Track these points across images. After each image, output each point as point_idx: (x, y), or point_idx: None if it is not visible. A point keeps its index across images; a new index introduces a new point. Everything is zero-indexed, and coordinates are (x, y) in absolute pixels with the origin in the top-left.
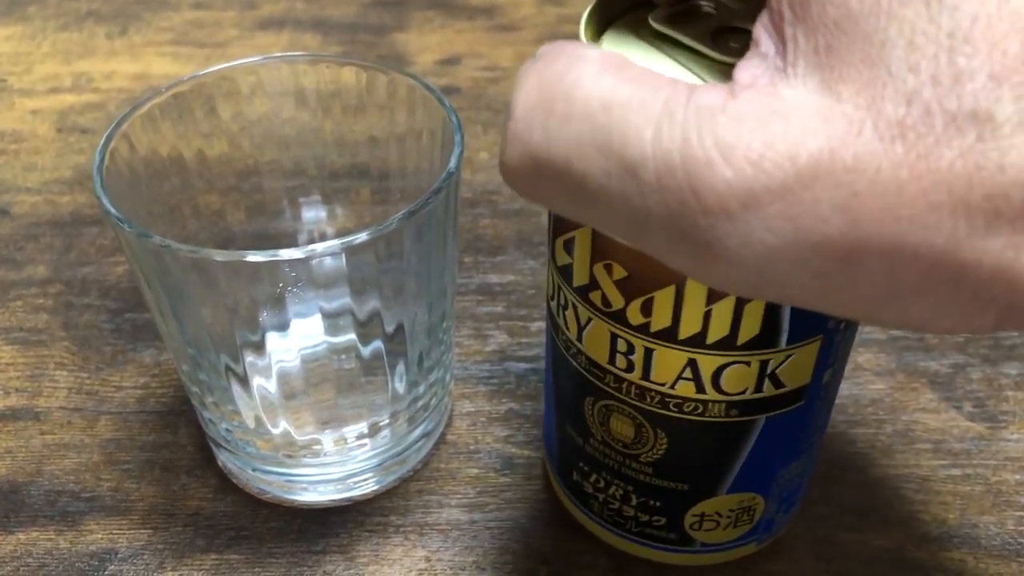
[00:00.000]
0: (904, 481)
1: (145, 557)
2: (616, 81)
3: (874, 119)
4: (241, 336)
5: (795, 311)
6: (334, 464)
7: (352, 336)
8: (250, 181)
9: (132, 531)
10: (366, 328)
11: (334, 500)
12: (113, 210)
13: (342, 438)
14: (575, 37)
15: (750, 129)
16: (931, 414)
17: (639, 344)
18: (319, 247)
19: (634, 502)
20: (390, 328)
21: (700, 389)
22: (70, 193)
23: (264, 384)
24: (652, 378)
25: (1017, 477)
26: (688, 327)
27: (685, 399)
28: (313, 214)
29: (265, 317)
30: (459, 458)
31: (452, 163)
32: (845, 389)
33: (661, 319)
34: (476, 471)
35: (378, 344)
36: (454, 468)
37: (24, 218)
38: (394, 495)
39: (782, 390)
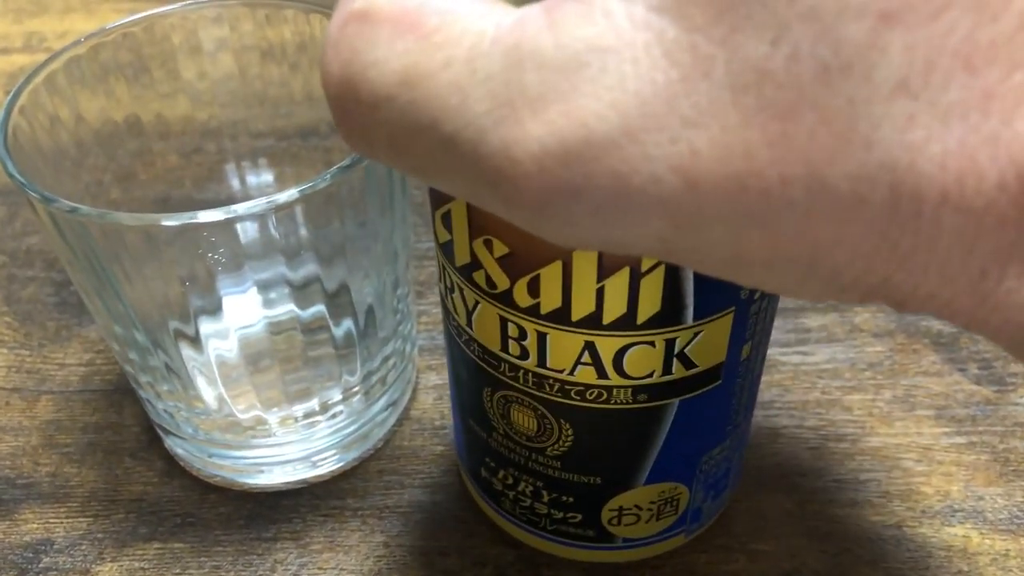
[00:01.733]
0: (904, 451)
1: (83, 547)
2: (412, 44)
3: (727, 57)
4: (172, 317)
5: (699, 285)
6: (289, 444)
7: (291, 305)
8: (189, 144)
9: (70, 519)
10: (303, 293)
11: (289, 482)
12: (15, 171)
13: (290, 416)
14: None
15: (563, 72)
16: (933, 377)
17: (531, 328)
18: (240, 208)
19: (545, 499)
20: (332, 291)
21: (602, 374)
22: None
23: (199, 365)
24: (549, 365)
25: None
26: (581, 307)
27: (587, 386)
28: (259, 179)
29: (194, 293)
30: (423, 435)
31: None
32: (841, 352)
33: (551, 299)
34: (441, 448)
35: (320, 309)
36: (418, 446)
37: None
38: (352, 476)
39: (694, 370)
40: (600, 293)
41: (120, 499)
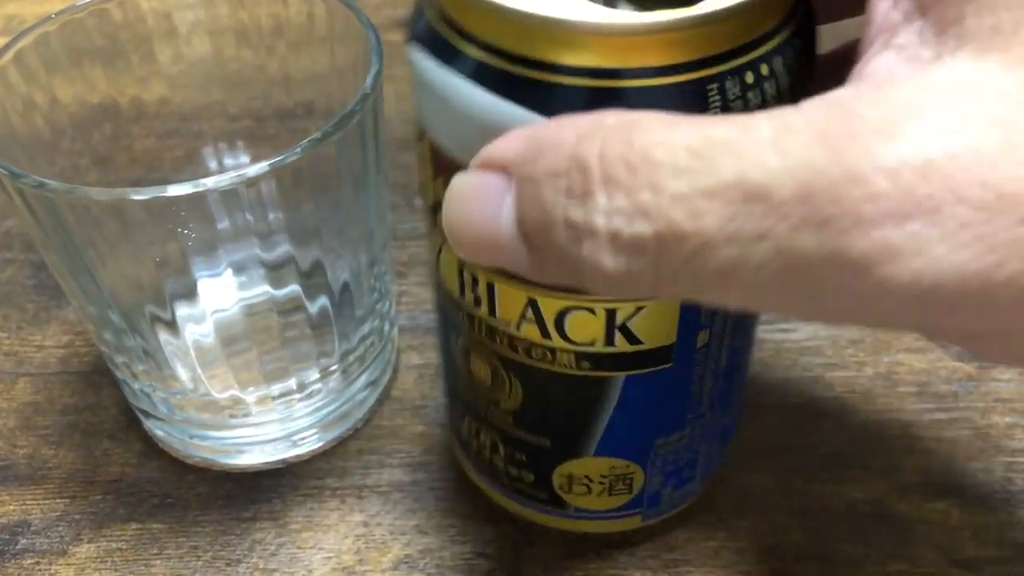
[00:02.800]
0: (886, 428)
1: (60, 528)
2: (695, 126)
3: None
4: (147, 301)
5: None
6: (266, 423)
7: (266, 286)
8: (162, 125)
9: (47, 501)
10: (278, 273)
11: (268, 463)
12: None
13: (267, 396)
14: None
15: (901, 131)
16: (915, 354)
17: (481, 276)
18: (210, 181)
19: (501, 453)
20: (306, 270)
21: (545, 334)
22: None
23: (176, 349)
24: (498, 315)
25: (1007, 420)
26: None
27: (532, 344)
28: (235, 161)
29: (169, 276)
30: (404, 414)
31: (368, 83)
32: (823, 329)
33: None
34: (421, 428)
35: (295, 289)
36: (398, 425)
37: None
38: (332, 456)
39: (639, 347)
40: None
41: (98, 480)
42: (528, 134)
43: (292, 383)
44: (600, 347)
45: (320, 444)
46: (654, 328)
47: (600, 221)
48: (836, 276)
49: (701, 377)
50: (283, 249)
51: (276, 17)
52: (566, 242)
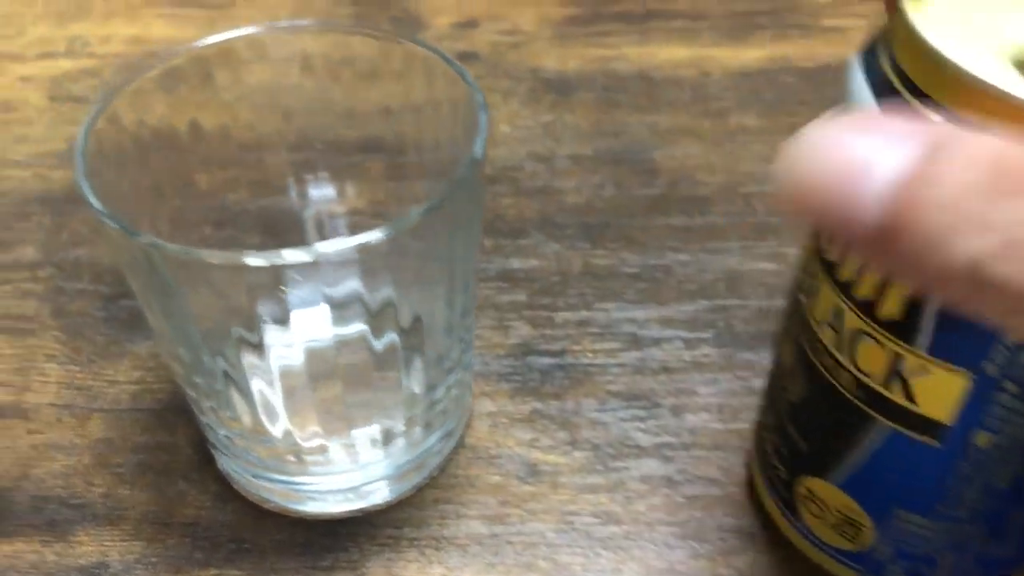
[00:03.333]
0: None
1: (138, 571)
2: None
3: None
4: (236, 332)
5: (944, 320)
6: (344, 472)
7: (363, 326)
8: (251, 155)
9: (124, 542)
10: (378, 320)
11: (344, 511)
12: (96, 202)
13: (351, 444)
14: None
15: None
16: None
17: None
18: (328, 248)
19: (773, 440)
20: (405, 322)
21: (839, 347)
22: (62, 168)
23: (263, 385)
24: (815, 313)
25: None
26: (846, 267)
27: (823, 346)
28: (320, 192)
29: (263, 311)
30: (479, 463)
31: (477, 149)
32: None
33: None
34: (498, 478)
35: (392, 337)
36: (473, 475)
37: (13, 194)
38: (408, 505)
39: (913, 408)
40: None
41: (174, 522)
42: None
43: (376, 431)
44: (877, 384)
45: (396, 494)
46: (933, 397)
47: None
48: None
49: (966, 479)
50: (385, 294)
51: (347, 50)
52: (954, 232)
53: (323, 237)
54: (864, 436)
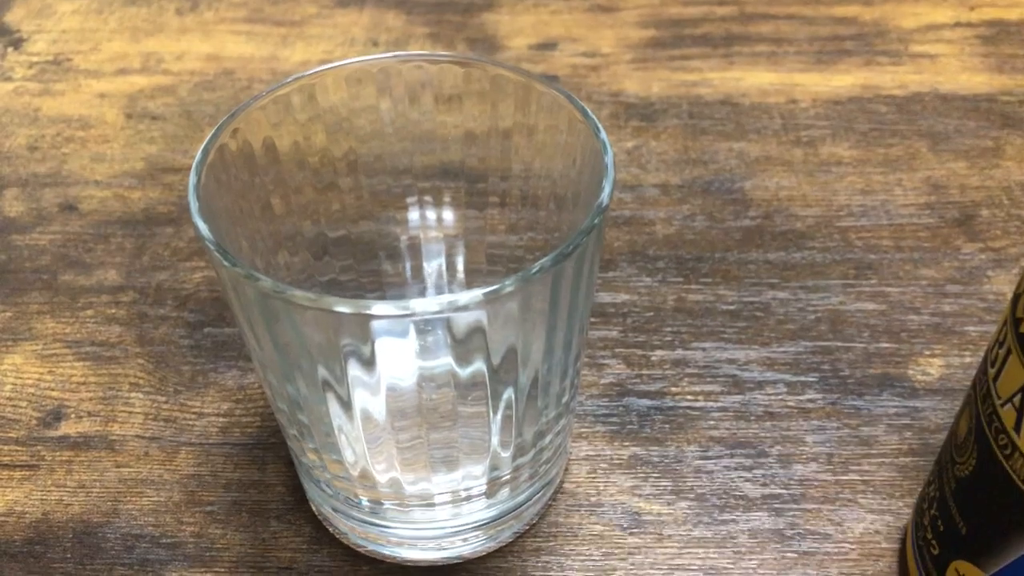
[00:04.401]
0: None
1: None
2: None
3: None
4: (351, 370)
5: None
6: (445, 520)
7: (483, 371)
8: (349, 178)
9: None
10: (499, 367)
11: (441, 557)
12: (213, 239)
13: (456, 491)
14: (681, 20)
15: None
16: None
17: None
18: (458, 298)
19: (932, 512)
20: (525, 370)
21: (1018, 428)
22: (141, 188)
23: (373, 426)
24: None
25: None
26: None
27: (1001, 424)
28: (417, 215)
29: (381, 350)
30: (579, 512)
31: (604, 196)
32: None
33: None
34: (600, 528)
35: (511, 382)
36: (574, 523)
37: (93, 215)
38: (509, 553)
39: None
40: None
41: (269, 566)
42: None
43: (483, 479)
44: None
45: (496, 541)
46: None
47: None
48: None
49: None
50: (508, 346)
51: (480, 83)
52: None
53: (419, 264)
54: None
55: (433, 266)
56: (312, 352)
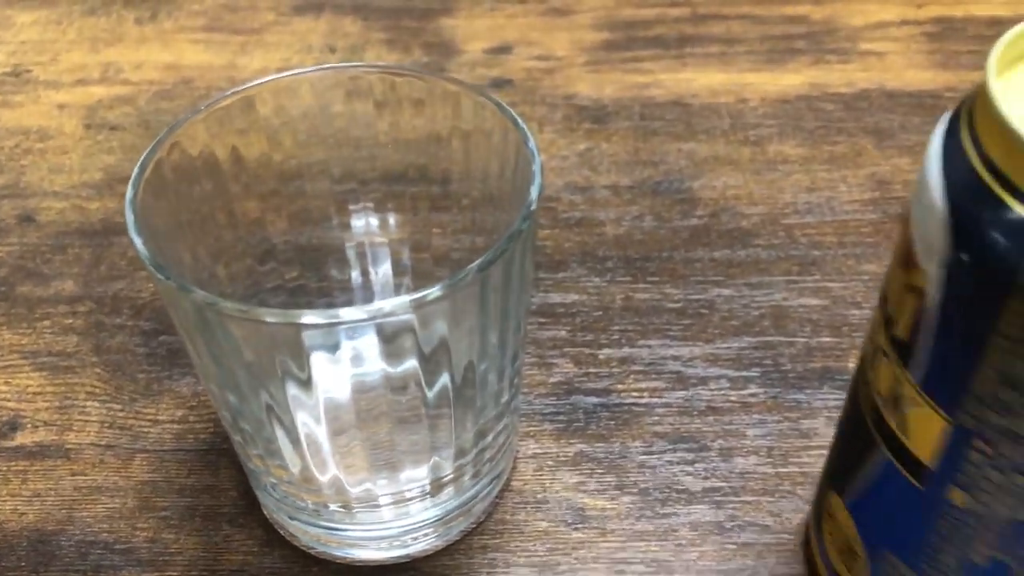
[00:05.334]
0: None
1: None
2: None
3: None
4: (284, 373)
5: (939, 351)
6: (391, 520)
7: (414, 369)
8: (292, 185)
9: None
10: (431, 364)
11: (390, 557)
12: (148, 255)
13: (399, 491)
14: (635, 22)
15: None
16: None
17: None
18: (385, 305)
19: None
20: (458, 367)
21: (867, 361)
22: (99, 198)
23: (311, 428)
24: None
25: None
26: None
27: (862, 361)
28: (363, 222)
29: (313, 353)
30: (526, 509)
31: (532, 198)
32: None
33: None
34: (545, 524)
35: (444, 382)
36: (520, 521)
37: (51, 226)
38: (456, 552)
39: (904, 439)
40: None
41: (221, 569)
42: None
43: (425, 478)
44: (883, 406)
45: (444, 540)
46: (920, 433)
47: None
48: None
49: (944, 540)
50: (439, 339)
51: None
52: None
53: (366, 268)
54: (868, 459)
55: (379, 271)
56: (247, 362)
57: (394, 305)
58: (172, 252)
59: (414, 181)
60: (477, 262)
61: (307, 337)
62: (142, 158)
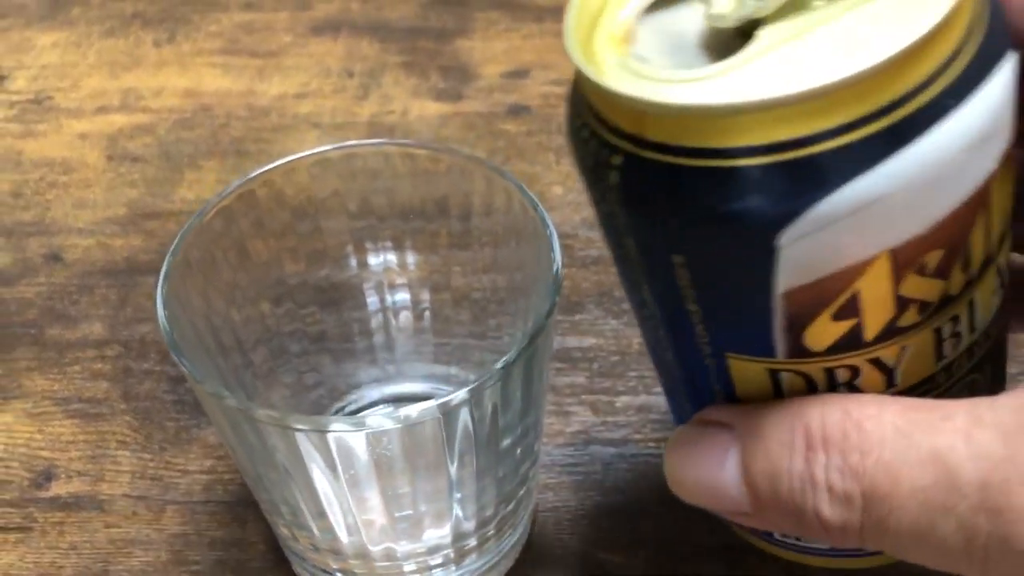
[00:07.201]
0: None
1: None
2: (903, 406)
3: None
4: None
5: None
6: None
7: (439, 441)
8: (306, 222)
9: None
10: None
11: None
12: (190, 368)
13: (417, 551)
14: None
15: None
16: None
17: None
18: (414, 412)
19: None
20: (481, 452)
21: None
22: (123, 235)
23: (333, 497)
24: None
25: None
26: None
27: None
28: (380, 260)
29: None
30: (545, 567)
31: (548, 312)
32: None
33: None
34: None
35: (469, 463)
36: None
37: (77, 265)
38: None
39: None
40: None
41: None
42: (747, 404)
43: (448, 546)
44: None
45: None
46: None
47: (820, 474)
48: (1008, 558)
49: None
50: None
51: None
52: (789, 490)
53: (385, 311)
54: None
55: (398, 317)
56: (273, 454)
57: (420, 412)
58: (182, 294)
59: (433, 217)
60: (500, 363)
61: (332, 439)
62: (165, 266)
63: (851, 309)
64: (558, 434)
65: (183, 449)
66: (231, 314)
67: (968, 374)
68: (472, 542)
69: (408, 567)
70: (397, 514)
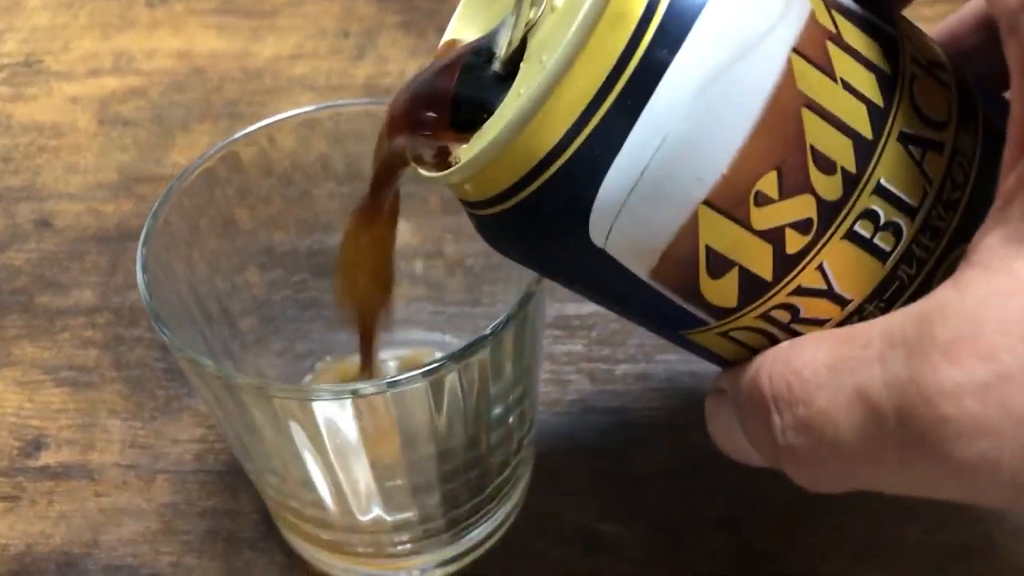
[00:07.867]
0: None
1: None
2: (834, 342)
3: None
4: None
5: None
6: (407, 555)
7: (428, 405)
8: (292, 187)
9: None
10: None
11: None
12: (169, 336)
13: (416, 529)
14: None
15: (977, 321)
16: None
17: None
18: (399, 378)
19: None
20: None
21: None
22: (114, 200)
23: (319, 460)
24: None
25: None
26: None
27: None
28: None
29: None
30: (540, 535)
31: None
32: None
33: None
34: (560, 554)
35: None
36: (535, 548)
37: (68, 231)
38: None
39: None
40: None
41: None
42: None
43: (437, 509)
44: None
45: (459, 567)
46: None
47: (780, 438)
48: (939, 481)
49: None
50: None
51: None
52: (771, 456)
53: None
54: None
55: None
56: (256, 423)
57: (406, 378)
58: (164, 261)
59: (423, 181)
60: (489, 329)
61: (316, 407)
62: (146, 229)
63: (720, 262)
64: (555, 403)
65: (174, 418)
66: (216, 282)
67: (948, 252)
68: (465, 511)
69: (399, 537)
70: (387, 484)
